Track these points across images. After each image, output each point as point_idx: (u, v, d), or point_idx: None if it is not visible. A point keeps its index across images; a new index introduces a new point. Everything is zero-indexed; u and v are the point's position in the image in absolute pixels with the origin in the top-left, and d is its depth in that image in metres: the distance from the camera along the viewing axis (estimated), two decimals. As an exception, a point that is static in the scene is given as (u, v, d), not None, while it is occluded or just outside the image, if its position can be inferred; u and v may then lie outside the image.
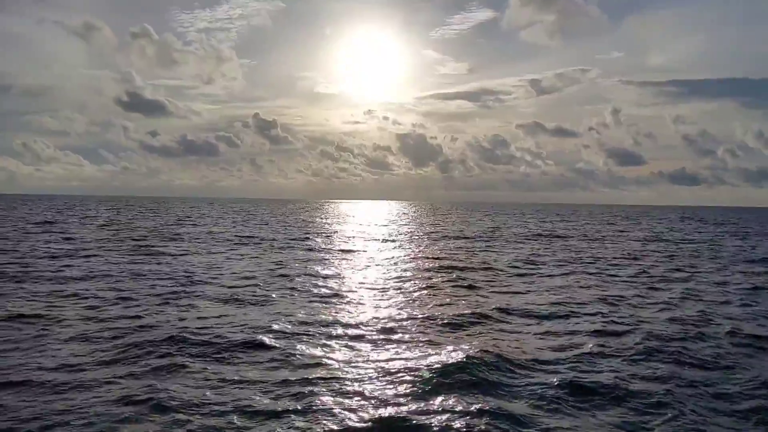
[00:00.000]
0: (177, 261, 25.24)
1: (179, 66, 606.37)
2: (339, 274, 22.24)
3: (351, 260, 27.51)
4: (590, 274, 23.87)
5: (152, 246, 31.67)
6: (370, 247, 35.41)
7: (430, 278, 21.10)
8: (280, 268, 23.76)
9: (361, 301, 16.39)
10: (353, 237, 44.47)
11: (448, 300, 16.77)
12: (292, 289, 18.28)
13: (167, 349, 10.75)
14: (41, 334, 11.92)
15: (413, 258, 28.58)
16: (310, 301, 16.31)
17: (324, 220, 75.95)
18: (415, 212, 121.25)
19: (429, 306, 15.74)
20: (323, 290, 18.17)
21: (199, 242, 35.64)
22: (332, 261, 27.04)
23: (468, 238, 44.57)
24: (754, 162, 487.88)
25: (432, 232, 51.96)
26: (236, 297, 16.35)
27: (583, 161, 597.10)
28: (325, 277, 21.39)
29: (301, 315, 14.26)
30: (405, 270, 23.59)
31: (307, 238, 41.12)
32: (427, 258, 28.45)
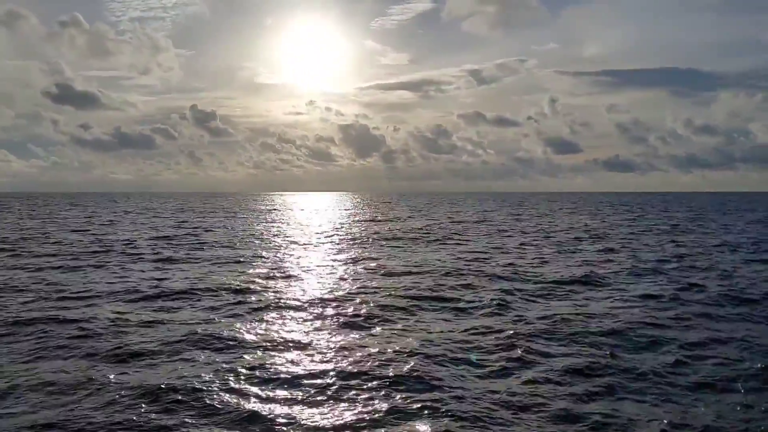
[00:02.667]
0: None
1: (113, 56, 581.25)
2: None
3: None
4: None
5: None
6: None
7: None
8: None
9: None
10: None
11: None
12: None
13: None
14: None
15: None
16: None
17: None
18: (354, 206, 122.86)
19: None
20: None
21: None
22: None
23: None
24: (683, 149, 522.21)
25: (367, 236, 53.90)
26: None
27: (522, 150, 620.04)
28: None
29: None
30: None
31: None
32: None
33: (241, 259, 25.01)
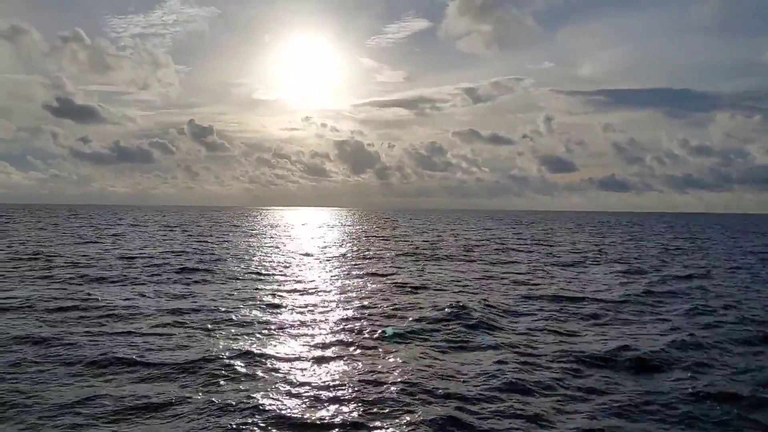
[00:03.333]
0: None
1: (113, 71, 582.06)
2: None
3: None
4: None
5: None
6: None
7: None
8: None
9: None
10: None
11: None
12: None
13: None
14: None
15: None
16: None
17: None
18: (356, 222, 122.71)
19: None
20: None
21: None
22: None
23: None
24: (679, 169, 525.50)
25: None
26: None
27: (517, 168, 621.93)
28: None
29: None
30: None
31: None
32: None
33: (263, 273, 25.20)
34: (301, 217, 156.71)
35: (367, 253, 37.33)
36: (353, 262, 30.99)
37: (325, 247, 42.67)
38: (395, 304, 17.69)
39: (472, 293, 20.22)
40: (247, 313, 16.05)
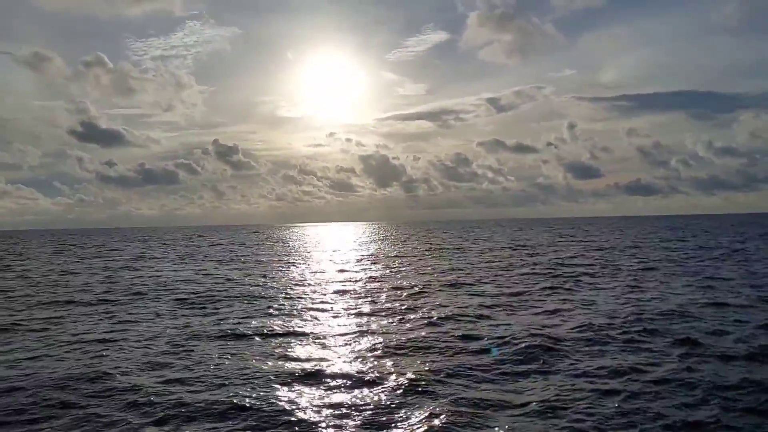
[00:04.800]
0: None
1: (137, 94, 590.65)
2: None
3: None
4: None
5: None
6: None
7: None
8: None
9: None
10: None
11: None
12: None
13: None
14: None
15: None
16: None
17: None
18: (399, 235, 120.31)
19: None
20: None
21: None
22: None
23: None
24: (704, 171, 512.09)
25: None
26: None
27: (542, 176, 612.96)
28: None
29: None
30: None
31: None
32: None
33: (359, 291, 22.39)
34: (338, 232, 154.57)
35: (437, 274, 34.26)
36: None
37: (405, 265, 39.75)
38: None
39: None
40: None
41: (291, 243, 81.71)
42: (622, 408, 8.76)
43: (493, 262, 37.25)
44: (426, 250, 52.23)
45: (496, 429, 8.13)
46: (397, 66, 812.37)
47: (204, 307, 19.79)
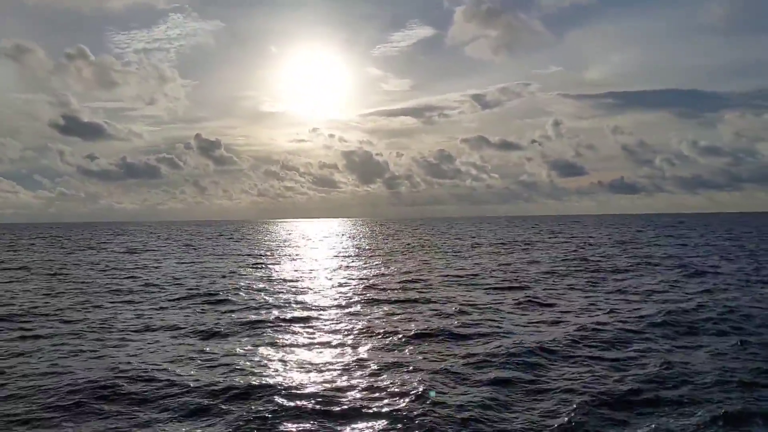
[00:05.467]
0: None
1: (119, 87, 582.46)
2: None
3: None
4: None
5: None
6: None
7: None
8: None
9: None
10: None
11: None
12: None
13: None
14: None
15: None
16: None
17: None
18: (382, 232, 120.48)
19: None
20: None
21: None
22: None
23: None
24: (689, 170, 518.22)
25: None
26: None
27: (527, 173, 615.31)
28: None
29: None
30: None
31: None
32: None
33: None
34: (323, 228, 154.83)
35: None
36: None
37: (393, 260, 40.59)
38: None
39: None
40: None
41: (282, 237, 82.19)
42: None
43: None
44: (422, 246, 53.10)
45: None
46: (382, 61, 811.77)
47: (217, 299, 20.47)
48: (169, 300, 20.31)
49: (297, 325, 15.55)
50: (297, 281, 25.75)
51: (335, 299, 19.96)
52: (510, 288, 22.36)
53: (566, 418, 8.38)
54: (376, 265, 33.78)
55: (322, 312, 17.42)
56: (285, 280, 26.09)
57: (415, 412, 8.59)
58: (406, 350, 12.55)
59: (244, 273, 29.94)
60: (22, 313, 17.78)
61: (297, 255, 43.95)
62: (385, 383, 10.10)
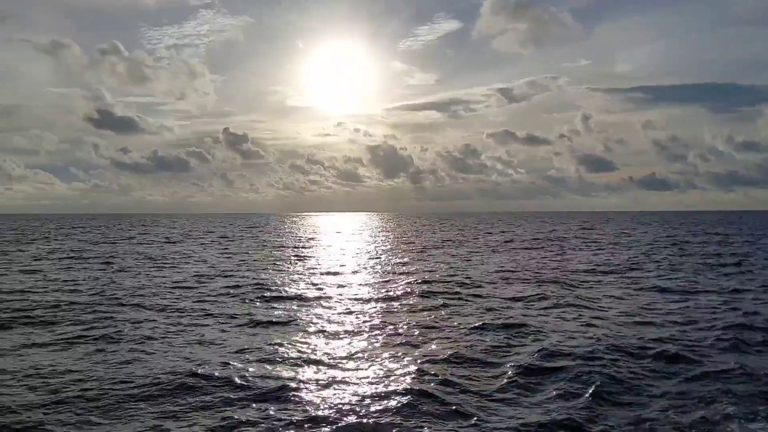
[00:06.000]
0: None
1: (151, 82, 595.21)
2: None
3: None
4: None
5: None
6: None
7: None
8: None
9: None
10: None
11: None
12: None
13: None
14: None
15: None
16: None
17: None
18: (415, 226, 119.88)
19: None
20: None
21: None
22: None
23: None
24: (723, 166, 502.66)
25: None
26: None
27: (554, 168, 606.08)
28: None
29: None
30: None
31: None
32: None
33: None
34: (352, 222, 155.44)
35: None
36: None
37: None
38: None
39: None
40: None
41: (314, 230, 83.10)
42: None
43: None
44: (456, 242, 53.24)
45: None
46: (407, 55, 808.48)
47: (267, 289, 21.12)
48: (222, 289, 21.03)
49: (351, 316, 16.03)
50: (339, 274, 26.30)
51: (382, 292, 20.40)
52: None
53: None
54: (415, 259, 34.16)
55: (373, 304, 17.91)
56: (329, 273, 26.68)
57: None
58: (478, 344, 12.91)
59: (288, 264, 30.64)
60: (89, 302, 18.63)
61: (333, 247, 44.59)
62: (464, 377, 10.50)
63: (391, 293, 20.06)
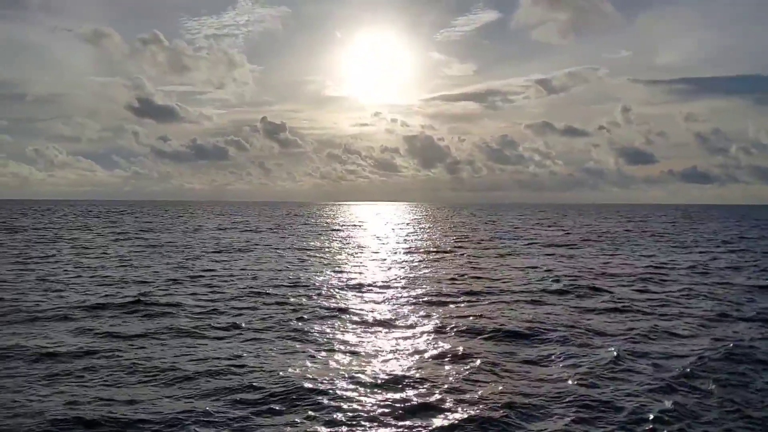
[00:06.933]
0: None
1: (190, 72, 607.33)
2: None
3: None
4: None
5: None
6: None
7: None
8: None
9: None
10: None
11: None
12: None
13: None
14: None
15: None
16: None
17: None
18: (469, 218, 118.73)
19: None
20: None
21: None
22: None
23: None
24: (767, 160, 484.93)
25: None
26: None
27: (593, 160, 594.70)
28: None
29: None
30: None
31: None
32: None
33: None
34: (397, 212, 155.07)
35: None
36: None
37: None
38: None
39: None
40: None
41: (360, 220, 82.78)
42: None
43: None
44: (517, 237, 52.04)
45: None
46: (445, 46, 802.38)
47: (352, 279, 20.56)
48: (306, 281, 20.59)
49: (421, 312, 15.30)
50: (400, 265, 25.64)
51: (457, 288, 19.59)
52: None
53: None
54: (475, 255, 33.28)
55: (455, 298, 17.21)
56: (395, 263, 26.05)
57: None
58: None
59: (358, 257, 30.16)
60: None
61: (385, 238, 44.02)
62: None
63: (461, 287, 19.24)
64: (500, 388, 9.27)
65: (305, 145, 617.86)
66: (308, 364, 10.57)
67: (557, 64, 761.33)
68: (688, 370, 10.26)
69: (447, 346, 11.72)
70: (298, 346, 11.85)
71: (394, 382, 9.54)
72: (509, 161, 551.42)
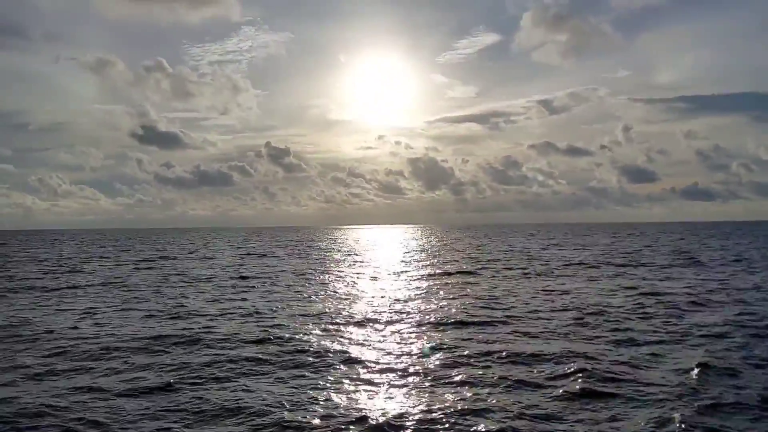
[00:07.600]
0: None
1: (194, 98, 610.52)
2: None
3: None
4: None
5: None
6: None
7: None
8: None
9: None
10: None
11: None
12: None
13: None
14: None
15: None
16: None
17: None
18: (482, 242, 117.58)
19: None
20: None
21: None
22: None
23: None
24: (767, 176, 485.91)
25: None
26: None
27: (595, 179, 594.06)
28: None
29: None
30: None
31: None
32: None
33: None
34: (402, 235, 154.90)
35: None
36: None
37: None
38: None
39: None
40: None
41: (370, 245, 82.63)
42: None
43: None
44: (528, 260, 51.88)
45: None
46: (447, 68, 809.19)
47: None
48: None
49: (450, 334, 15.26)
50: (416, 293, 25.59)
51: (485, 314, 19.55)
52: None
53: None
54: (493, 278, 33.21)
55: (478, 326, 17.19)
56: (411, 291, 26.00)
57: None
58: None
59: (383, 283, 30.11)
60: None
61: (399, 265, 43.92)
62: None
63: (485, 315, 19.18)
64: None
65: (309, 169, 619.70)
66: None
67: (558, 85, 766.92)
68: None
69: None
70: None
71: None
72: (513, 181, 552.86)
